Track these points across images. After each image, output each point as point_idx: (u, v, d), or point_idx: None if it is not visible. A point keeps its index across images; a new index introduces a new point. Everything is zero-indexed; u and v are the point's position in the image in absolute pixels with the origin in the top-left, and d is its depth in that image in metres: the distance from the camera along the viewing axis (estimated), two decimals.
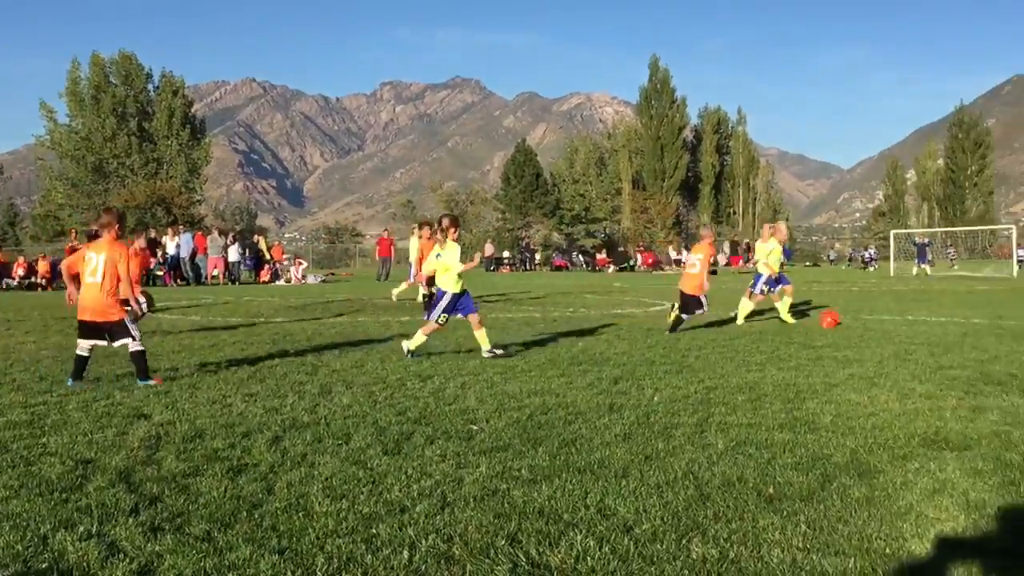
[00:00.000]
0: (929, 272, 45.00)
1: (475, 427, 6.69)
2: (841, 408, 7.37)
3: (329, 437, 6.35)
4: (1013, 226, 67.42)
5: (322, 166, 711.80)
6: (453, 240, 11.26)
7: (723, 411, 7.28)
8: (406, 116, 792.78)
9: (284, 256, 46.23)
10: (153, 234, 37.62)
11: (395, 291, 22.60)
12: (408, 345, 11.05)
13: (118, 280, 8.99)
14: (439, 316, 11.14)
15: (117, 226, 9.15)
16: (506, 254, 71.57)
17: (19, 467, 5.53)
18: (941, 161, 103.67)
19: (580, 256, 75.97)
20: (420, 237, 20.40)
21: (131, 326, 9.11)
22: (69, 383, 8.80)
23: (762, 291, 15.93)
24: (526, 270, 66.40)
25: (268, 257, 41.07)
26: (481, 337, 11.15)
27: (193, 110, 76.64)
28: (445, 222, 11.41)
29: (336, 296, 25.91)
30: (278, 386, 8.70)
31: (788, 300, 15.97)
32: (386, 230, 46.91)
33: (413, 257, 22.41)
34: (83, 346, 8.99)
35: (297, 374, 9.50)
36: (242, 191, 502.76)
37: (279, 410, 7.43)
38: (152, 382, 8.87)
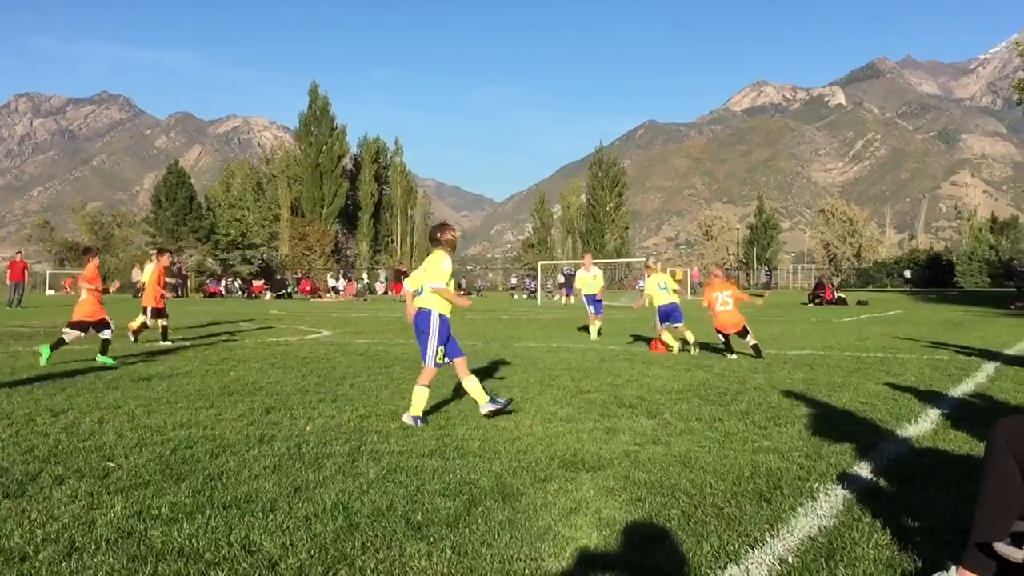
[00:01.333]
0: (574, 301, 47.84)
1: (112, 464, 6.26)
2: (488, 433, 7.60)
3: None
4: (645, 258, 73.13)
5: None
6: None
7: (375, 439, 7.29)
8: (45, 130, 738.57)
9: None
10: None
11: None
12: (411, 413, 8.20)
13: None
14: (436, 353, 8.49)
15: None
16: None
17: None
18: (584, 197, 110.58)
19: (236, 282, 73.91)
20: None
21: None
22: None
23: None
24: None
25: None
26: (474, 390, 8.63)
27: None
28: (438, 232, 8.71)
29: None
30: None
31: None
32: (19, 252, 43.34)
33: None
34: None
35: None
36: None
37: None
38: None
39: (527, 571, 4.17)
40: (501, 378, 11.64)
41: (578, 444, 7.11)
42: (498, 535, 4.68)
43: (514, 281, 77.12)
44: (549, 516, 5.05)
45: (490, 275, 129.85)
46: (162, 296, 18.02)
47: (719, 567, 4.26)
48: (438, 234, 8.60)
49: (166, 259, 18.74)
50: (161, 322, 17.87)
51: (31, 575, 4.02)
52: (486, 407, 8.38)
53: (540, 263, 62.97)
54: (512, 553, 4.40)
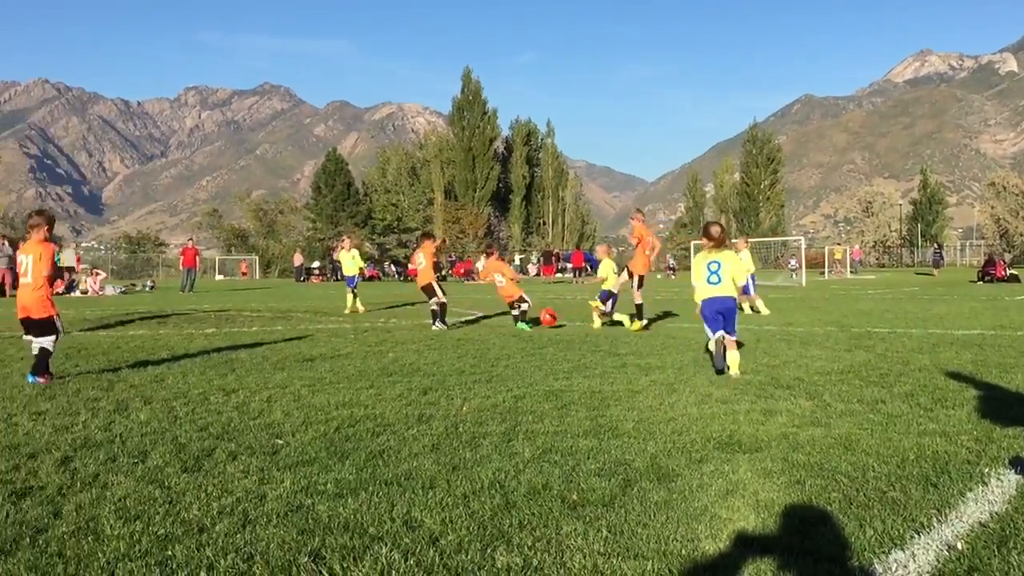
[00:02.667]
0: None
1: (280, 441, 6.54)
2: (643, 414, 7.58)
3: (124, 455, 6.07)
4: (802, 237, 71.37)
5: (122, 172, 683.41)
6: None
7: (530, 419, 7.37)
8: (212, 122, 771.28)
9: (81, 266, 44.06)
10: None
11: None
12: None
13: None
14: None
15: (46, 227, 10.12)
16: (316, 264, 70.49)
17: None
18: (737, 175, 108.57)
19: (392, 266, 75.67)
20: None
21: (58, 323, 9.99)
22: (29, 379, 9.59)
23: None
24: (337, 280, 65.63)
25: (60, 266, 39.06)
26: None
27: None
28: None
29: (137, 307, 24.87)
30: (70, 403, 8.26)
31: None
32: (191, 239, 45.44)
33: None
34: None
35: (91, 390, 9.05)
36: (34, 198, 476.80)
37: (70, 428, 7.05)
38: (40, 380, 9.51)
39: (683, 552, 4.16)
40: (655, 358, 11.59)
41: (734, 425, 7.02)
42: (654, 515, 4.68)
43: (672, 261, 76.53)
44: (705, 497, 5.02)
45: None
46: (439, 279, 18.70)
47: (883, 552, 4.15)
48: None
49: (431, 244, 19.06)
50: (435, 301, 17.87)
51: (209, 545, 4.23)
52: None
53: (693, 243, 62.17)
54: (668, 533, 4.39)
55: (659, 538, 4.33)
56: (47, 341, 9.80)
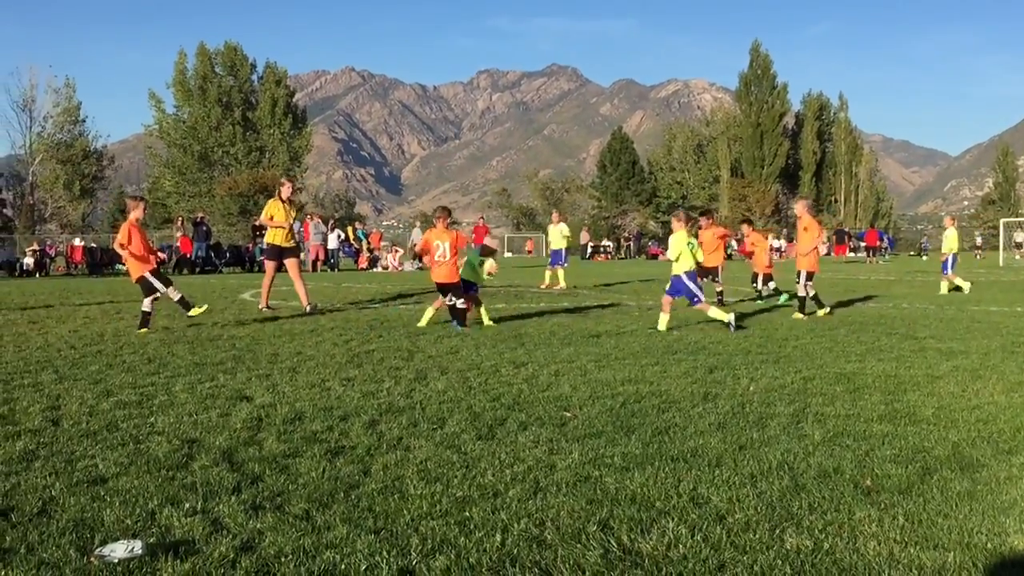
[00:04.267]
0: None
1: (568, 414, 6.72)
2: (944, 401, 7.19)
3: (424, 421, 6.45)
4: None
5: (419, 154, 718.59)
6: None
7: (820, 402, 7.17)
8: (502, 104, 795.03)
9: (382, 244, 46.84)
10: (200, 216, 38.81)
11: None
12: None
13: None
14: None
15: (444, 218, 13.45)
16: (605, 242, 71.25)
17: (128, 445, 5.74)
18: None
19: None
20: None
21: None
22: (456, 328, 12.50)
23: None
24: (622, 258, 66.10)
25: (354, 243, 41.69)
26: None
27: (295, 99, 77.98)
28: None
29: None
30: (375, 371, 8.85)
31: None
32: (482, 217, 47.26)
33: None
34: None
35: (393, 360, 9.65)
36: (341, 179, 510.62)
37: (376, 394, 7.56)
38: (464, 329, 12.44)
39: (989, 545, 3.93)
40: (957, 342, 10.92)
41: None
42: (956, 506, 4.45)
43: (979, 240, 71.61)
44: (1015, 490, 4.71)
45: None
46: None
47: None
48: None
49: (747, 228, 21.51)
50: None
51: (503, 509, 4.43)
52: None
53: (1003, 220, 57.77)
54: (972, 526, 4.16)
55: (961, 529, 4.11)
56: (460, 302, 12.87)
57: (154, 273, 12.56)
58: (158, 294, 12.44)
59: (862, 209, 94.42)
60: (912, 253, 76.88)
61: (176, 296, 12.63)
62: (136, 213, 12.80)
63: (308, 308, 15.15)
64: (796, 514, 4.35)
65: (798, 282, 14.78)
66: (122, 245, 12.42)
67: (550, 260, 24.58)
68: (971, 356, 9.81)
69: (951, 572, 3.66)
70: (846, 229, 75.35)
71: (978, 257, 60.75)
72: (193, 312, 12.74)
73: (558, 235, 24.55)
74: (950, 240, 21.91)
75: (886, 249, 70.08)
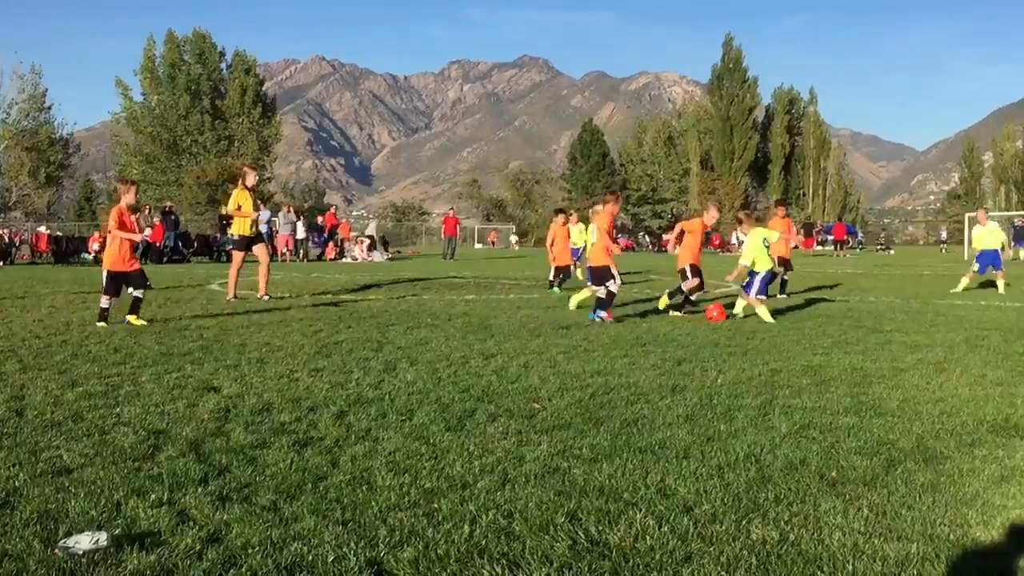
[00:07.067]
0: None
1: (537, 406, 6.73)
2: (908, 393, 7.27)
3: (393, 413, 6.44)
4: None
5: (389, 144, 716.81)
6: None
7: (787, 394, 7.23)
8: (473, 95, 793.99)
9: (351, 234, 46.68)
10: (168, 206, 38.58)
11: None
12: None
13: None
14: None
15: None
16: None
17: (94, 436, 5.68)
18: (1020, 143, 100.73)
19: (646, 236, 75.55)
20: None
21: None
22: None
23: None
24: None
25: (320, 227, 41.54)
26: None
27: (264, 88, 77.38)
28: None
29: (402, 274, 26.11)
30: (344, 362, 8.82)
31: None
32: (452, 209, 47.19)
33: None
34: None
35: (363, 351, 9.62)
36: (311, 169, 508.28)
37: (344, 385, 7.54)
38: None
39: (952, 536, 3.98)
40: (926, 335, 11.04)
41: (1011, 409, 6.61)
42: (919, 497, 4.50)
43: (944, 235, 72.76)
44: (977, 482, 4.77)
45: (910, 228, 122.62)
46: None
47: None
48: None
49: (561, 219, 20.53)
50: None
51: (471, 500, 4.44)
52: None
53: (967, 215, 58.35)
54: (935, 517, 4.21)
55: (925, 521, 4.16)
56: (601, 291, 12.86)
57: (120, 276, 12.07)
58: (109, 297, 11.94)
59: (830, 203, 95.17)
60: (880, 247, 77.56)
61: (105, 304, 11.90)
62: (128, 198, 12.32)
63: (264, 297, 15.31)
64: (762, 505, 4.38)
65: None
66: (111, 231, 11.93)
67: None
68: (935, 349, 9.91)
69: (914, 563, 3.69)
70: (813, 223, 75.93)
71: (943, 251, 61.35)
72: (100, 324, 11.76)
73: (577, 234, 24.56)
74: (991, 236, 20.58)
75: (860, 243, 70.77)
